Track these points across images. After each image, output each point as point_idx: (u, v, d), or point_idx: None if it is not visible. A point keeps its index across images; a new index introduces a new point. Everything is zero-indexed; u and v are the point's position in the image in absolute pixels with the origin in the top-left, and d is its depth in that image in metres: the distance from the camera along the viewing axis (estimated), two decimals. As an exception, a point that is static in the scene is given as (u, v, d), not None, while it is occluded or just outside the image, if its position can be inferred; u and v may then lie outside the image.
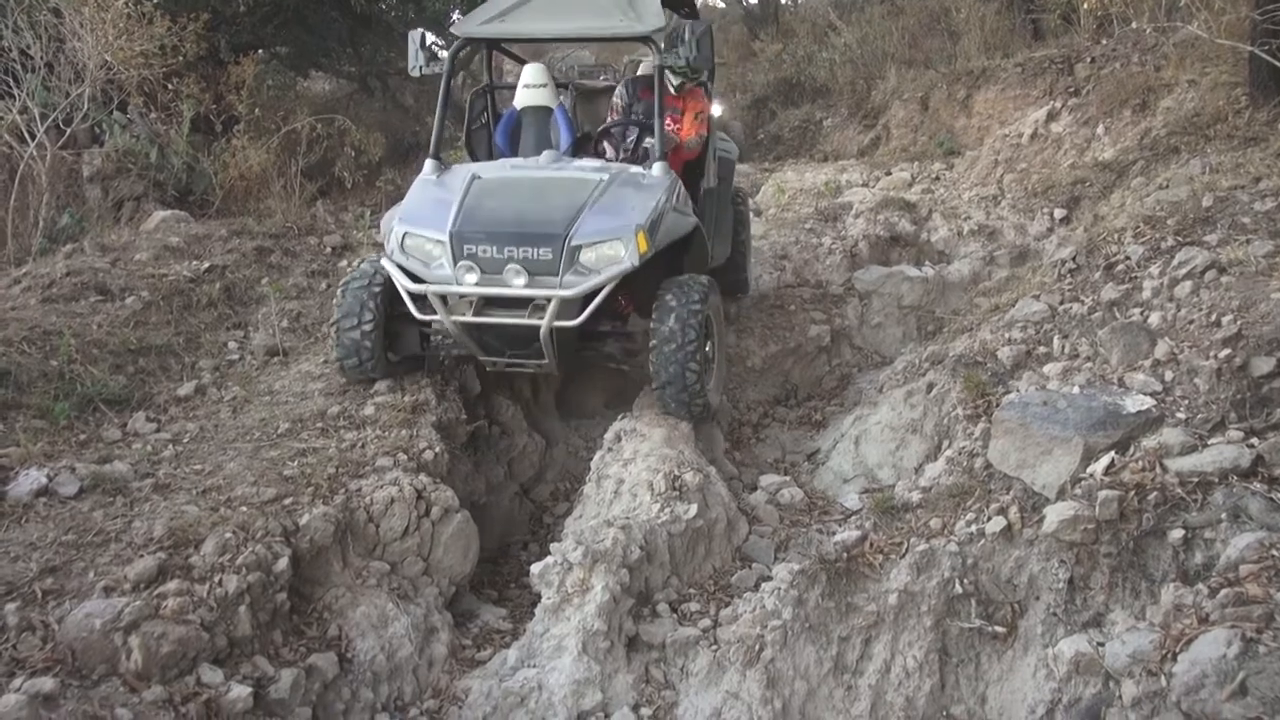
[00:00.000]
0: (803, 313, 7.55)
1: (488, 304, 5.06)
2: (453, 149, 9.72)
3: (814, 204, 11.61)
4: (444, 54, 6.00)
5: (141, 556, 3.83)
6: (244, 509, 4.26)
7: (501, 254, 4.93)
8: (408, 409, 5.35)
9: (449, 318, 5.03)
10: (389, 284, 5.29)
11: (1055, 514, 3.36)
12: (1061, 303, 5.45)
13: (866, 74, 18.67)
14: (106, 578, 3.72)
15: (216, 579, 3.78)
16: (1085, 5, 14.31)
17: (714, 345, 5.57)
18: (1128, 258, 5.50)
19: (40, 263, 7.31)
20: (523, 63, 7.22)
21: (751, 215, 8.71)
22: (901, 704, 3.46)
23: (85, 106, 9.20)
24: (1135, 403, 3.67)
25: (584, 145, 6.54)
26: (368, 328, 5.33)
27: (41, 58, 8.95)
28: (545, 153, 5.82)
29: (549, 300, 4.87)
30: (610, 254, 4.98)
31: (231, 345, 6.57)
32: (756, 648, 3.67)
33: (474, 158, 6.72)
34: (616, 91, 6.82)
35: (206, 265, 7.36)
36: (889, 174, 14.28)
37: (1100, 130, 12.59)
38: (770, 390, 7.05)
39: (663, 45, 5.58)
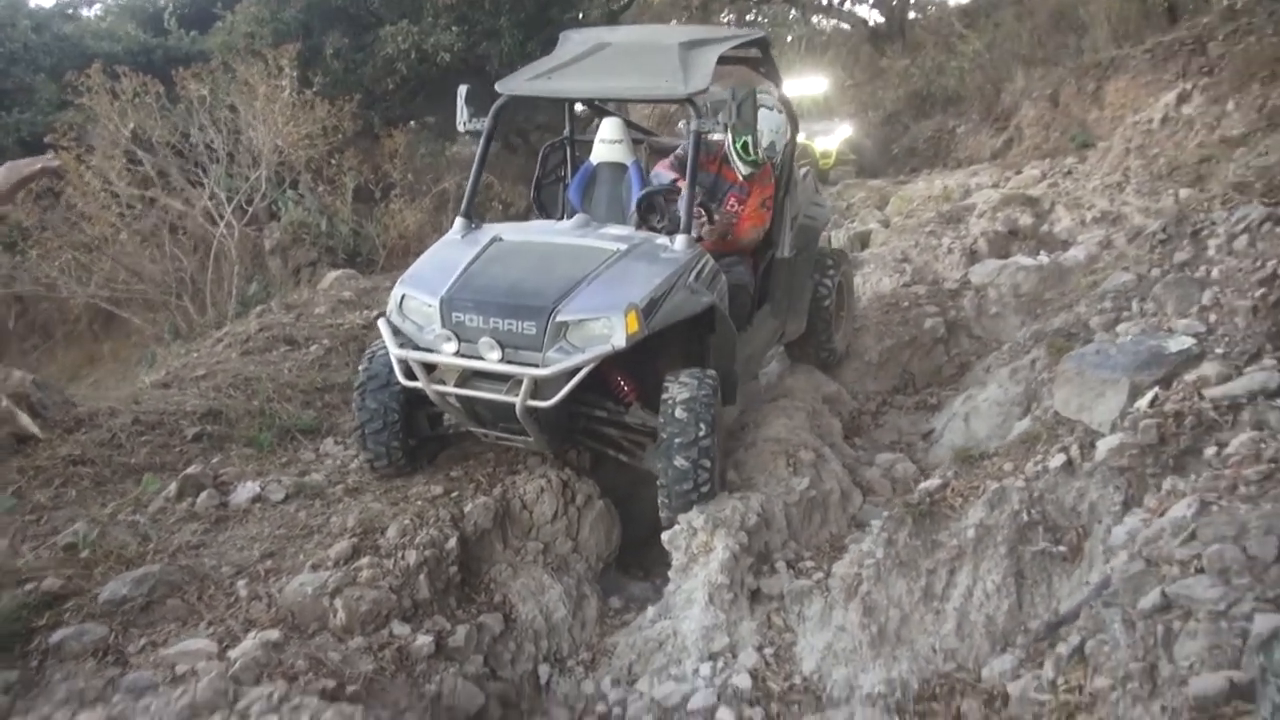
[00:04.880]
0: (917, 308, 8.00)
1: (475, 375, 4.83)
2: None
3: (936, 209, 12.00)
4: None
5: (339, 541, 4.63)
6: (419, 502, 5.04)
7: (487, 324, 4.68)
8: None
9: (429, 386, 4.83)
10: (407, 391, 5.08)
11: (1105, 445, 3.82)
12: (1148, 270, 5.80)
13: (995, 78, 18.87)
14: (313, 558, 4.54)
15: (400, 554, 4.56)
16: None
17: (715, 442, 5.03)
18: (1212, 223, 5.80)
19: (236, 323, 8.43)
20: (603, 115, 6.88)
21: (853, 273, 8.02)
22: (984, 622, 3.93)
23: (263, 187, 10.44)
24: (1178, 343, 4.08)
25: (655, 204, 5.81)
26: (395, 428, 5.24)
27: (224, 148, 10.24)
28: (576, 217, 5.61)
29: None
30: (598, 332, 4.63)
31: (401, 379, 7.45)
32: (855, 584, 4.21)
33: (544, 213, 6.74)
34: (673, 155, 6.38)
35: (375, 313, 8.31)
36: (1019, 173, 14.44)
37: (1230, 106, 12.57)
38: (889, 381, 7.51)
39: (703, 111, 5.26)
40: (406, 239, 11.27)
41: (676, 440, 4.79)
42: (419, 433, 5.42)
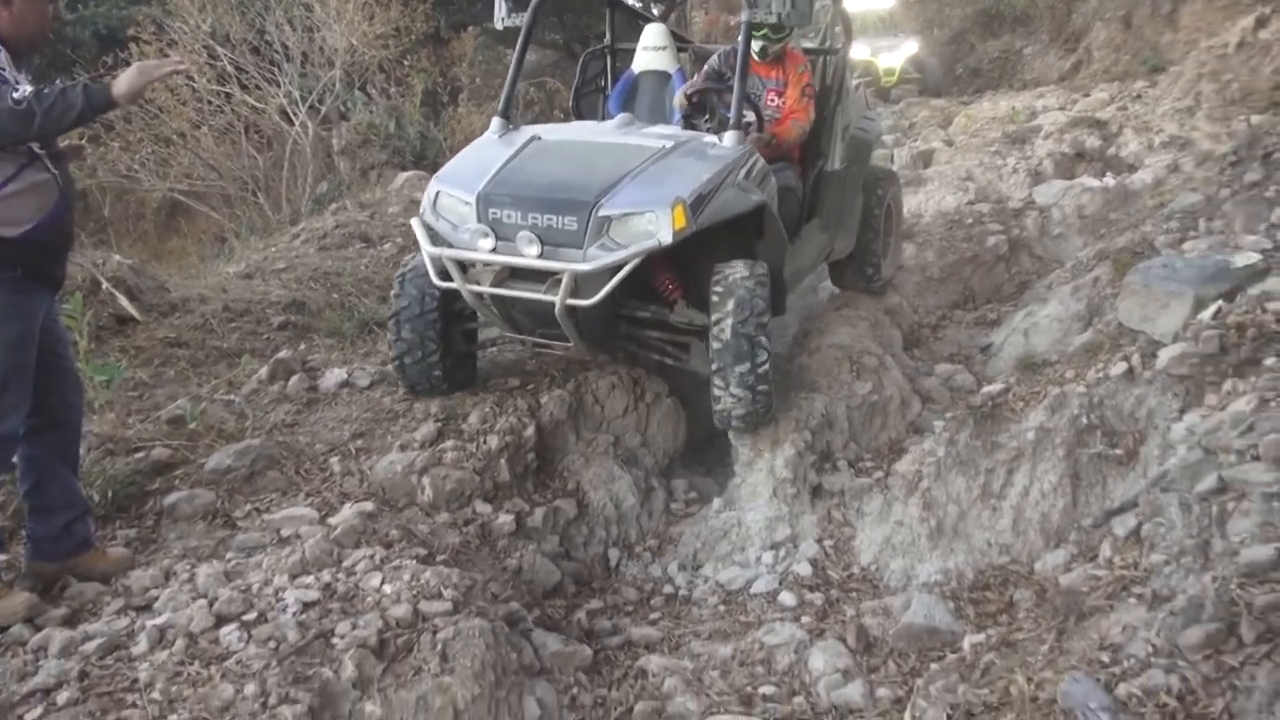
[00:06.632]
0: (980, 226, 8.07)
1: (512, 276, 4.63)
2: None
3: (1001, 129, 11.94)
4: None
5: (424, 424, 4.90)
6: (497, 393, 5.28)
7: (525, 220, 4.49)
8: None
9: (465, 286, 4.64)
10: (443, 298, 4.97)
11: (1166, 354, 3.96)
12: (1217, 191, 5.85)
13: (1067, -3, 18.43)
14: (400, 439, 4.82)
15: (482, 439, 4.82)
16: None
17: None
18: (1285, 146, 5.83)
19: (313, 220, 8.69)
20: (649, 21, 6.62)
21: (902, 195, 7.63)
22: (1038, 519, 4.13)
23: (335, 88, 10.62)
24: (1244, 259, 4.19)
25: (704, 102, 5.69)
26: (433, 357, 5.06)
27: (298, 47, 10.41)
28: (620, 116, 5.37)
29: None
30: (643, 228, 4.43)
31: (472, 278, 7.69)
32: (915, 480, 4.43)
33: None
34: (710, 59, 6.07)
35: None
36: (1087, 96, 14.24)
37: (1310, 32, 12.28)
38: (949, 296, 7.63)
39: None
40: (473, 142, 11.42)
41: (732, 321, 4.57)
42: (455, 349, 5.21)
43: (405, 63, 11.25)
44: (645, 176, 4.63)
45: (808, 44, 6.06)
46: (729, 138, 4.92)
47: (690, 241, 4.54)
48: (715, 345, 4.66)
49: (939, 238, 7.97)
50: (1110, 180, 8.91)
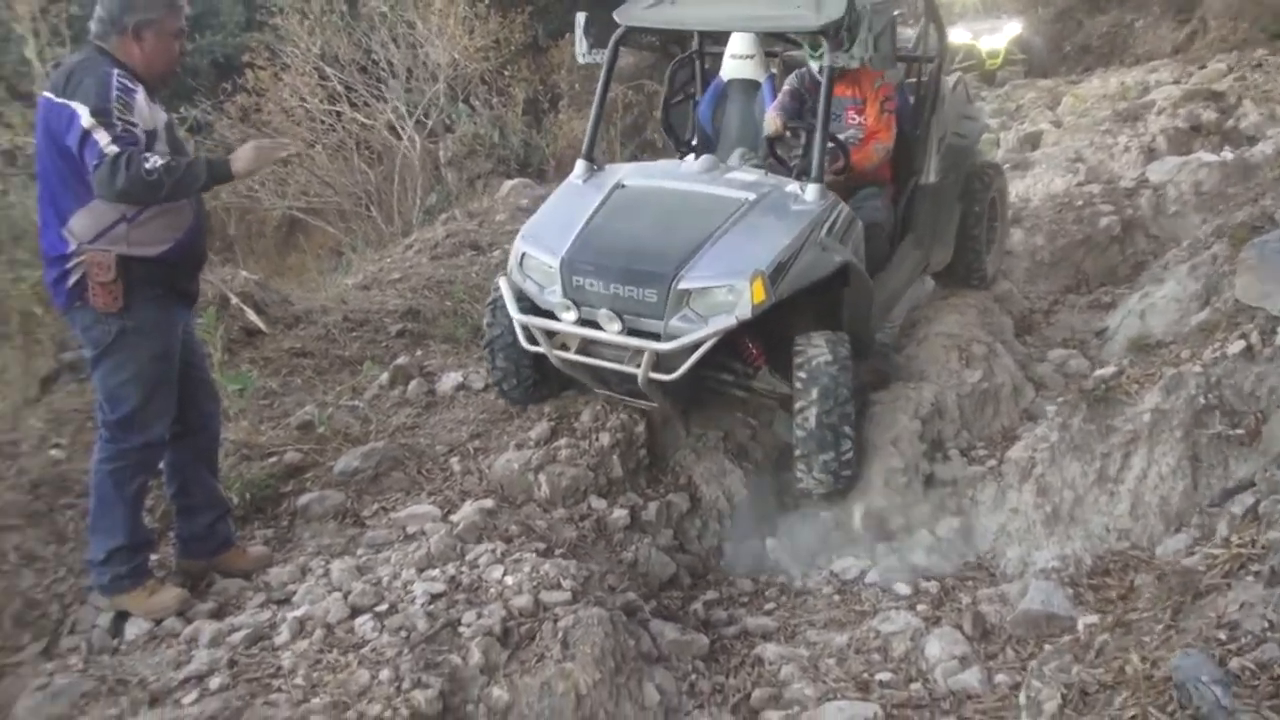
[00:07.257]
0: (1091, 207, 7.89)
1: (598, 341, 4.66)
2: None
3: (1112, 107, 11.63)
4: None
5: (538, 424, 5.05)
6: (606, 393, 5.41)
7: (607, 290, 4.53)
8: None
9: (552, 352, 4.73)
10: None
11: (1287, 329, 3.89)
12: (1343, 162, 5.66)
13: (1181, -36, 17.79)
14: (516, 438, 4.98)
15: (594, 436, 4.95)
16: None
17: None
18: None
19: (424, 230, 8.96)
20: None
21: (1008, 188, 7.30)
22: (1157, 503, 4.07)
23: (440, 101, 10.92)
24: (1367, 229, 4.07)
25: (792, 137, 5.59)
26: (529, 381, 5.19)
27: (403, 64, 10.74)
28: (703, 158, 5.28)
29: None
30: (722, 299, 4.42)
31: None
32: (1029, 466, 4.41)
33: (673, 136, 6.44)
34: (789, 79, 5.85)
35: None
36: (1203, 68, 13.70)
37: None
38: (1061, 281, 7.49)
39: (838, 42, 4.80)
40: (574, 148, 11.59)
41: (816, 410, 4.57)
42: (547, 369, 5.17)
43: (506, 73, 11.51)
44: (725, 241, 4.58)
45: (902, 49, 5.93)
46: (811, 191, 4.78)
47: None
48: (799, 432, 4.68)
49: (1048, 221, 7.83)
50: (1228, 154, 8.62)
